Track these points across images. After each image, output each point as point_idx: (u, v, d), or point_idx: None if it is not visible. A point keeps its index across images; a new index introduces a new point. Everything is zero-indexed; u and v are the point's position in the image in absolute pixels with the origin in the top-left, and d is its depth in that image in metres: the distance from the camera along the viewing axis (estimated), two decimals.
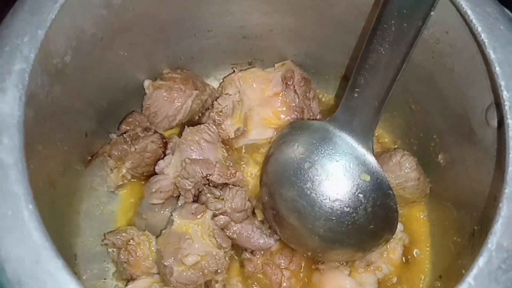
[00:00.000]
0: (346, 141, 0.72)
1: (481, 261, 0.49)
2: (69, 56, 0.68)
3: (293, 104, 0.88)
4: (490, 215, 0.53)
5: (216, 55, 0.91)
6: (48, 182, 0.70)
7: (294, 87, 0.88)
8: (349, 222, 0.72)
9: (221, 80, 0.93)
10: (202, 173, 0.78)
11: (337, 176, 0.72)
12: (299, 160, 0.74)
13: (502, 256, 0.49)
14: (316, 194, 0.72)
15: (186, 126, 0.82)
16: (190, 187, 0.78)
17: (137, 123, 0.85)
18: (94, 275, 0.80)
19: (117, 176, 0.83)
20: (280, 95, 0.88)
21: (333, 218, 0.72)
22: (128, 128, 0.85)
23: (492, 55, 0.57)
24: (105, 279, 0.81)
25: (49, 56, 0.64)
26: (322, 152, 0.73)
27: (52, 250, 0.47)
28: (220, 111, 0.85)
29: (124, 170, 0.83)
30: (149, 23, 0.78)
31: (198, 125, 0.82)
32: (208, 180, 0.80)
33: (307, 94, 0.90)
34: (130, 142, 0.82)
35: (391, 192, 0.71)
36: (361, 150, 0.72)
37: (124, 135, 0.83)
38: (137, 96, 0.87)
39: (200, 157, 0.80)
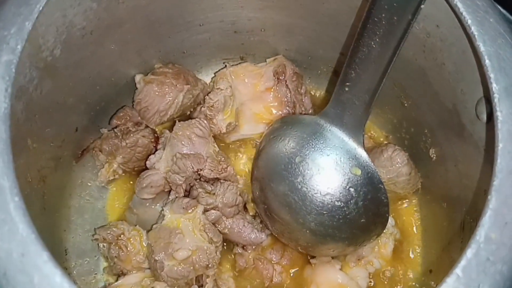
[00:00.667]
0: (337, 135, 0.72)
1: (469, 253, 0.49)
2: (59, 50, 0.67)
3: (285, 99, 0.88)
4: (480, 209, 0.53)
5: (207, 50, 0.91)
6: (38, 176, 0.70)
7: (286, 82, 0.88)
8: (340, 216, 0.72)
9: (213, 75, 0.93)
10: (193, 168, 0.78)
11: (328, 170, 0.72)
12: (290, 155, 0.74)
13: (490, 248, 0.49)
14: (307, 188, 0.72)
15: (177, 121, 0.82)
16: (181, 182, 0.78)
17: (128, 117, 0.85)
18: (84, 270, 0.80)
19: (108, 171, 0.83)
20: (272, 90, 0.88)
21: (324, 212, 0.72)
22: (119, 122, 0.85)
23: (481, 48, 0.57)
24: (96, 274, 0.80)
25: (38, 49, 0.64)
26: (313, 146, 0.73)
27: (38, 243, 0.47)
28: (211, 106, 0.85)
29: (115, 165, 0.83)
30: (140, 18, 0.78)
31: (189, 120, 0.82)
32: (199, 175, 0.79)
33: (299, 89, 0.90)
34: (121, 137, 0.82)
35: (382, 186, 0.71)
36: (352, 144, 0.72)
37: (115, 129, 0.83)
38: (128, 91, 0.87)
39: (191, 152, 0.80)
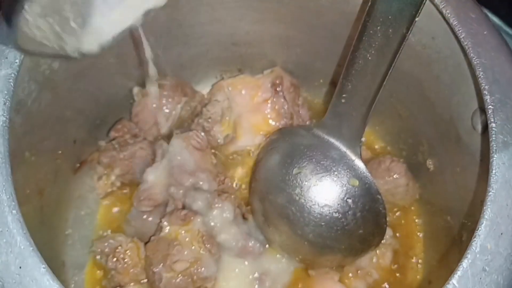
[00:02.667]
0: (334, 146, 0.73)
1: (465, 263, 0.49)
2: (57, 63, 0.68)
3: (282, 110, 0.88)
4: (477, 219, 0.53)
5: (205, 62, 0.92)
6: (36, 189, 0.70)
7: (283, 93, 0.88)
8: (338, 227, 0.72)
9: (210, 87, 0.94)
10: (190, 180, 0.78)
11: (325, 182, 0.72)
12: (287, 166, 0.74)
13: (486, 259, 0.49)
14: (305, 200, 0.72)
15: (174, 133, 0.82)
16: (179, 196, 0.78)
17: (126, 130, 0.85)
18: (82, 282, 0.79)
19: (106, 183, 0.83)
20: (269, 101, 0.89)
21: (323, 223, 0.72)
22: (117, 135, 0.85)
23: (476, 60, 0.58)
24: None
25: (36, 63, 0.64)
26: (310, 158, 0.73)
27: (36, 256, 0.47)
28: (208, 118, 0.85)
29: (113, 177, 0.83)
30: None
31: (187, 132, 0.82)
32: (196, 188, 0.79)
33: (296, 100, 0.90)
34: (119, 149, 0.82)
35: (379, 197, 0.72)
36: (349, 155, 0.72)
37: (113, 142, 0.83)
38: (126, 103, 0.88)
39: (189, 164, 0.80)
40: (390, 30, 0.61)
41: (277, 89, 0.88)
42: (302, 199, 0.72)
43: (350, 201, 0.71)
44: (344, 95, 0.69)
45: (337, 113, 0.71)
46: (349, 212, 0.71)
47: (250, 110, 0.89)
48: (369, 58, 0.64)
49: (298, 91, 0.91)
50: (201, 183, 0.79)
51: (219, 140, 0.86)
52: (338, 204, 0.71)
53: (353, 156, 0.72)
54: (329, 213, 0.71)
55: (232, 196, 0.79)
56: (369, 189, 0.72)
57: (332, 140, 0.73)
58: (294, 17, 0.82)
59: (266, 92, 0.89)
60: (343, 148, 0.72)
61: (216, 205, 0.77)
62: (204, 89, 0.95)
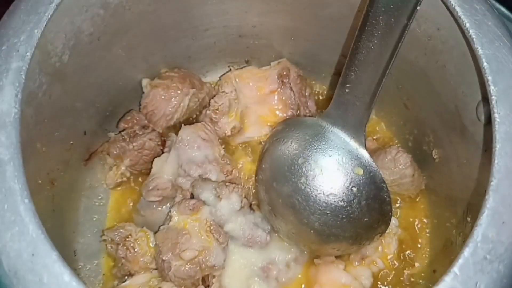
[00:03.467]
0: (339, 136, 0.73)
1: (467, 252, 0.50)
2: (67, 56, 0.69)
3: (289, 102, 0.89)
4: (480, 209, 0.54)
5: (213, 54, 0.93)
6: (47, 179, 0.72)
7: (290, 84, 0.89)
8: (344, 216, 0.72)
9: (218, 79, 0.95)
10: (199, 171, 0.80)
11: (330, 171, 0.73)
12: (293, 156, 0.75)
13: (488, 247, 0.50)
14: (310, 189, 0.73)
15: (183, 125, 0.83)
16: (187, 186, 0.80)
17: (135, 121, 0.87)
18: (93, 270, 0.81)
19: (115, 174, 0.84)
20: (276, 92, 0.89)
21: (328, 212, 0.73)
22: (126, 126, 0.86)
23: (480, 50, 0.58)
24: (104, 274, 0.82)
25: (47, 56, 0.65)
26: (315, 147, 0.74)
27: (47, 244, 0.49)
28: (216, 109, 0.86)
29: (122, 168, 0.84)
30: (146, 24, 0.80)
31: (195, 124, 0.84)
32: (205, 178, 0.81)
33: (303, 92, 0.91)
34: (128, 140, 0.83)
35: (384, 185, 0.72)
36: (354, 144, 0.73)
37: (122, 133, 0.85)
38: (135, 95, 0.89)
39: (197, 155, 0.81)
40: (392, 20, 0.61)
41: (284, 80, 0.89)
42: (307, 188, 0.73)
43: (355, 189, 0.72)
44: (347, 85, 0.69)
45: (341, 103, 0.72)
46: (354, 201, 0.72)
47: (257, 101, 0.90)
48: (372, 47, 0.64)
49: (305, 83, 0.92)
50: (209, 173, 0.81)
51: (226, 132, 0.87)
52: (343, 193, 0.72)
53: (357, 145, 0.73)
54: (335, 201, 0.72)
55: (239, 187, 0.80)
56: (374, 178, 0.72)
57: (337, 129, 0.74)
58: (300, 9, 0.83)
59: (273, 84, 0.89)
60: (348, 137, 0.73)
61: (223, 196, 0.78)
62: (212, 80, 0.96)
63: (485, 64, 0.58)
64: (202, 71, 0.95)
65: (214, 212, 0.78)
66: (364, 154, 0.72)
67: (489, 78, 0.57)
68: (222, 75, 0.94)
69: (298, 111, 0.89)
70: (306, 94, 0.91)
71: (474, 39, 0.59)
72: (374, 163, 0.72)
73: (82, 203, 0.84)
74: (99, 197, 0.86)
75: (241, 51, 0.93)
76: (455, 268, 0.49)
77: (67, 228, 0.79)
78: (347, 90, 0.70)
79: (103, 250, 0.82)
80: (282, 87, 0.89)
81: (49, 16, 0.60)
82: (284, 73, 0.89)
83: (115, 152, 0.84)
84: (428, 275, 0.80)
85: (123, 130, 0.86)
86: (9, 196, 0.50)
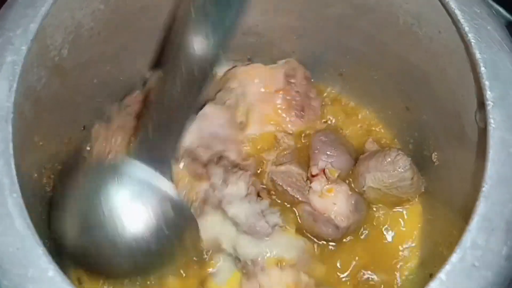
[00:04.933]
0: (142, 173, 0.69)
1: (454, 258, 0.49)
2: (66, 50, 0.69)
3: (294, 102, 0.88)
4: None
5: None
6: (43, 173, 0.72)
7: (295, 85, 0.89)
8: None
9: (223, 74, 0.93)
10: (220, 147, 0.81)
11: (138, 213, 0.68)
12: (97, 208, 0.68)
13: (477, 254, 0.49)
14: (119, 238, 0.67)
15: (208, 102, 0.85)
16: (204, 158, 0.80)
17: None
18: None
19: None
20: (282, 92, 0.89)
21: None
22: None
23: (477, 55, 0.58)
24: None
25: (46, 49, 0.65)
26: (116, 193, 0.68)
27: (33, 239, 0.49)
28: (224, 103, 0.87)
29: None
30: (147, 19, 0.80)
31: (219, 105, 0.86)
32: (221, 157, 0.81)
33: (308, 93, 0.90)
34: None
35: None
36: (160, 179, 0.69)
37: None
38: (136, 90, 0.88)
39: (220, 132, 0.83)
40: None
41: (290, 80, 0.88)
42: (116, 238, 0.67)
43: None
44: (149, 127, 0.68)
45: (145, 148, 0.70)
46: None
47: (262, 99, 0.89)
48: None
49: (311, 84, 0.91)
50: (229, 152, 0.82)
51: None
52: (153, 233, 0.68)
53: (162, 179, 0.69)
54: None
55: (248, 173, 0.80)
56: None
57: (141, 166, 0.69)
58: (303, 7, 0.83)
59: (278, 83, 0.89)
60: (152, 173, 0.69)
61: (231, 181, 0.78)
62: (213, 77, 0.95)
63: (482, 69, 0.57)
64: None
65: (220, 194, 0.78)
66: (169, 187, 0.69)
67: (486, 83, 0.56)
68: (228, 70, 0.93)
69: (302, 112, 0.89)
70: (312, 95, 0.91)
71: (472, 43, 0.59)
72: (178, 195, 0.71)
73: None
74: None
75: (243, 49, 0.92)
76: (442, 274, 0.49)
77: None
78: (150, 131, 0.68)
79: None
80: (287, 87, 0.89)
81: (46, 10, 0.60)
82: (291, 73, 0.89)
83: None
84: (424, 280, 0.79)
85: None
86: None
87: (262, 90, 0.90)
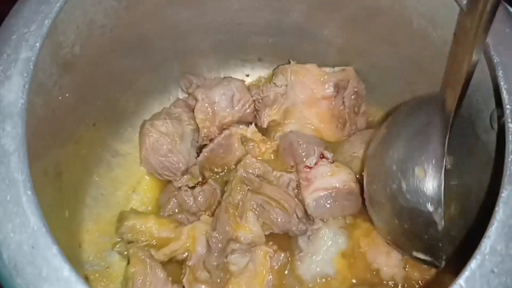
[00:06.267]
0: None
1: (473, 264, 0.48)
2: (78, 47, 0.69)
3: (337, 113, 0.86)
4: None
5: (225, 50, 0.93)
6: (54, 171, 0.71)
7: (343, 97, 0.86)
8: None
9: (276, 67, 0.93)
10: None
11: None
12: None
13: (496, 260, 0.49)
14: None
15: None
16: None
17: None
18: (98, 263, 0.81)
19: None
20: (328, 100, 0.86)
21: None
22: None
23: (496, 58, 0.57)
24: (107, 268, 0.81)
25: (58, 46, 0.65)
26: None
27: (48, 236, 0.48)
28: (260, 99, 0.87)
29: None
30: (159, 18, 0.80)
31: None
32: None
33: (355, 108, 0.88)
34: None
35: None
36: None
37: None
38: (146, 88, 0.89)
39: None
40: None
41: (340, 91, 0.86)
42: None
43: None
44: None
45: None
46: None
47: (306, 102, 0.87)
48: None
49: (361, 100, 0.88)
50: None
51: (263, 123, 0.87)
52: None
53: None
54: None
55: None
56: None
57: None
58: (315, 8, 0.83)
59: (328, 90, 0.86)
60: None
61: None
62: (241, 75, 0.96)
63: (500, 71, 0.57)
64: (214, 67, 0.94)
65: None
66: None
67: (505, 86, 0.56)
68: (281, 65, 0.91)
69: (343, 126, 0.87)
70: (359, 111, 0.89)
71: (490, 45, 0.58)
72: None
73: (90, 195, 0.83)
74: (107, 190, 0.86)
75: (254, 49, 0.93)
76: (461, 280, 0.48)
77: (73, 220, 0.79)
78: None
79: (108, 243, 0.82)
80: (336, 97, 0.86)
81: (60, 7, 0.60)
82: (342, 84, 0.86)
83: None
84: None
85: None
86: (12, 187, 0.50)
87: (309, 93, 0.86)
